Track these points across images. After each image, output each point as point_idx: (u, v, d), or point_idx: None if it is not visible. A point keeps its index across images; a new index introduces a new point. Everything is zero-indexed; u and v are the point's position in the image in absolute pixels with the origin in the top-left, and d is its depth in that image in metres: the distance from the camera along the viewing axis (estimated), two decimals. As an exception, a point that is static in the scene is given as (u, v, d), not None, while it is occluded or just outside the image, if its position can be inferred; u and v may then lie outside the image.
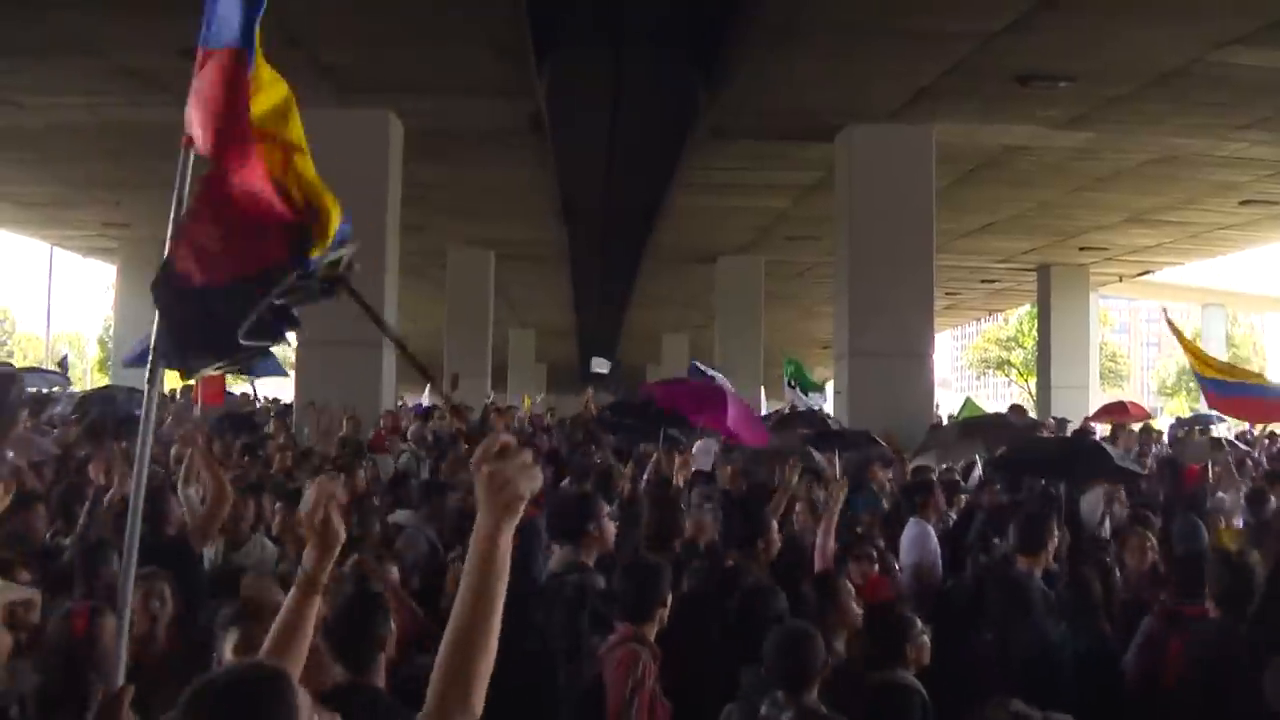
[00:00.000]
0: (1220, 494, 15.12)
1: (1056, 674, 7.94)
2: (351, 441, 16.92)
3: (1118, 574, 10.14)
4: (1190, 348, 20.10)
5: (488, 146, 22.37)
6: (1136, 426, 23.97)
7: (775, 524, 9.95)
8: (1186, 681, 7.69)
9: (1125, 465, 13.22)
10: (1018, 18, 15.26)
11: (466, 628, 3.00)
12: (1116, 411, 27.40)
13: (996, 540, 11.28)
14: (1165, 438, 25.14)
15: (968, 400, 28.58)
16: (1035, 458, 13.72)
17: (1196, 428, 25.54)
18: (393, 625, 6.08)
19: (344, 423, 17.98)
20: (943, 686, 6.97)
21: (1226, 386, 18.34)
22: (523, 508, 3.00)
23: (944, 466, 16.46)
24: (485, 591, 2.99)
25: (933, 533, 11.93)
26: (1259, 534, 10.64)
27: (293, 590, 3.94)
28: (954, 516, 13.51)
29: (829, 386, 28.59)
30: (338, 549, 3.89)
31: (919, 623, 7.23)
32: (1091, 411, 35.28)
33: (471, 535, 3.03)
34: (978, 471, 16.66)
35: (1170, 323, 22.97)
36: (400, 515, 12.12)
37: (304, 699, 2.99)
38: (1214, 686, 7.28)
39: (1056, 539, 9.64)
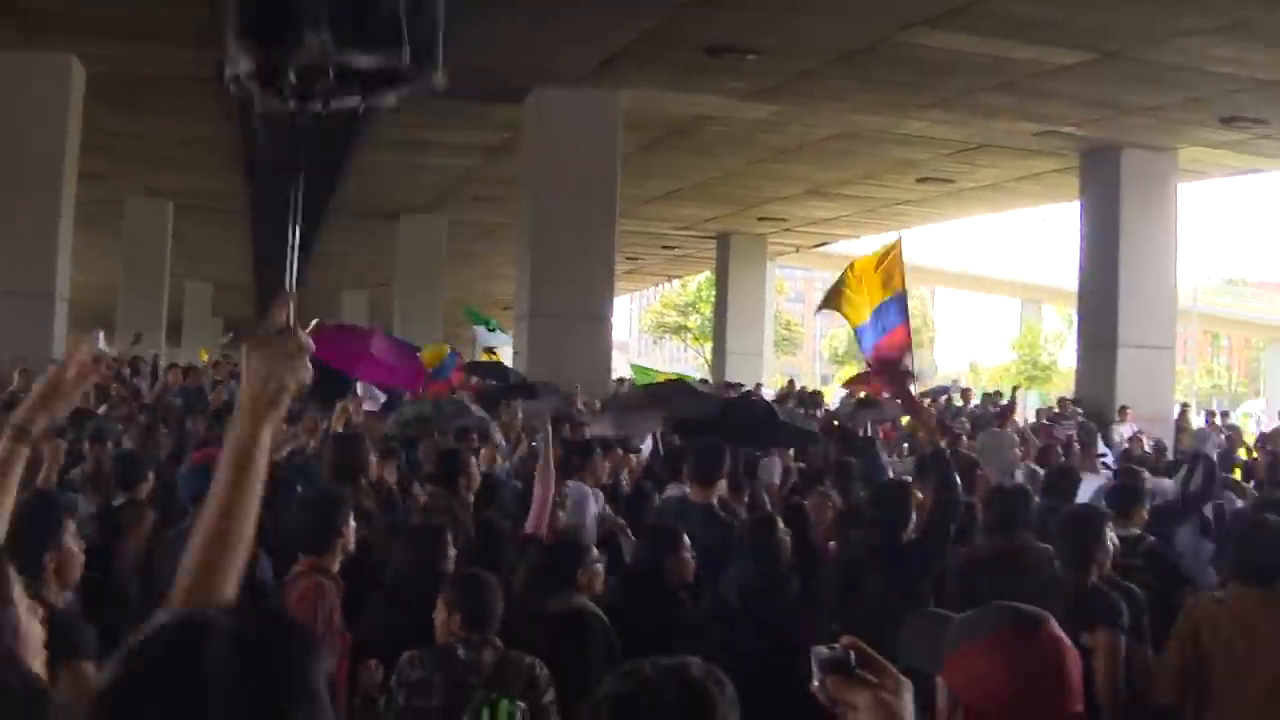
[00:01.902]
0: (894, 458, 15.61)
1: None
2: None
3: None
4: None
5: (173, 95, 21.64)
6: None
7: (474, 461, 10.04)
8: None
9: (801, 427, 13.55)
10: (709, -11, 15.39)
11: (221, 527, 2.77)
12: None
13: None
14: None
15: (635, 368, 28.92)
16: (710, 420, 13.87)
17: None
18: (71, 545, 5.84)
19: (15, 376, 17.30)
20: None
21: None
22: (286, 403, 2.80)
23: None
24: (242, 491, 2.75)
25: (592, 497, 11.92)
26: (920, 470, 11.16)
27: (4, 440, 3.73)
28: (626, 482, 13.56)
29: (509, 347, 28.68)
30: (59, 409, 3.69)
31: (594, 551, 7.29)
32: (765, 378, 36.07)
33: (229, 434, 2.81)
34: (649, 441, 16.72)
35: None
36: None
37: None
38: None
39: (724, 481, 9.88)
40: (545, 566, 7.34)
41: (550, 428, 10.33)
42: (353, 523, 7.21)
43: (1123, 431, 21.92)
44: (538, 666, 6.05)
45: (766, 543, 8.47)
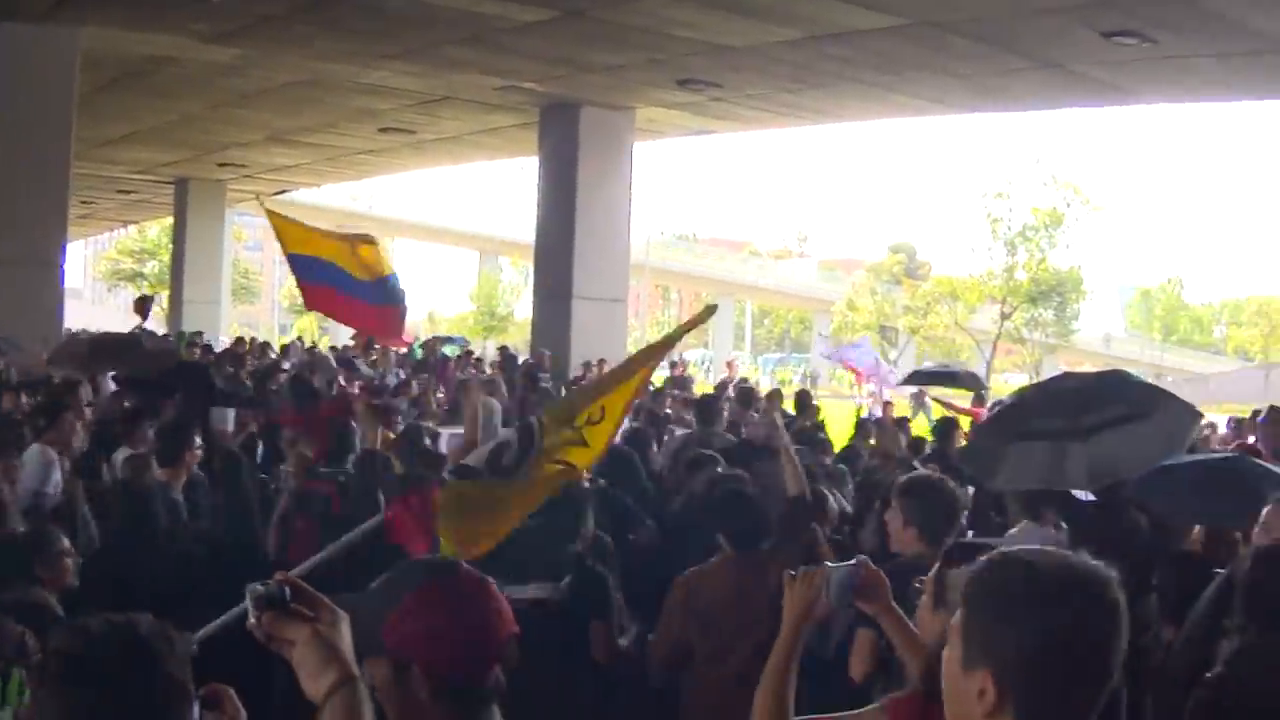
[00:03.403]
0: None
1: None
2: None
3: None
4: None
5: None
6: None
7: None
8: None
9: (243, 394, 13.91)
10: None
11: None
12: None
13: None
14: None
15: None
16: (161, 379, 14.11)
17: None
18: None
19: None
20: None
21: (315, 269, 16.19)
22: None
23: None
24: None
25: (57, 463, 11.66)
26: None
27: None
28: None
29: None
30: None
31: (62, 542, 7.14)
32: (222, 326, 35.83)
33: None
34: (110, 386, 16.56)
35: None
36: None
37: None
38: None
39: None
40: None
41: None
42: None
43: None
44: (28, 635, 5.93)
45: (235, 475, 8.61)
